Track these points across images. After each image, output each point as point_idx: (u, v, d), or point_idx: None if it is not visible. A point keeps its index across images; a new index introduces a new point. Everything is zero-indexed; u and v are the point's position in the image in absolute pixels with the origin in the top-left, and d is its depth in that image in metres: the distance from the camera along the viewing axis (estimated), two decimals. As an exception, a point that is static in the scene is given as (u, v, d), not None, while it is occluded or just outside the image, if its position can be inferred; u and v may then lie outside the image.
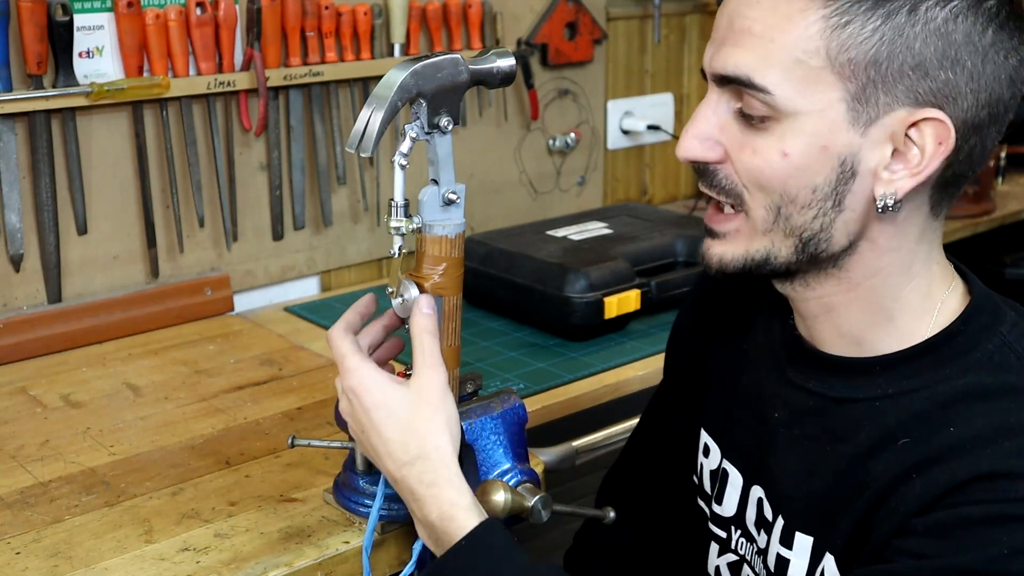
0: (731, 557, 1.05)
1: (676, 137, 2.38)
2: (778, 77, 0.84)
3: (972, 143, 0.86)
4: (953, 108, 0.83)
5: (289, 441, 1.16)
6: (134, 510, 1.16)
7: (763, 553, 0.99)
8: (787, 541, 0.95)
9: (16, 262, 1.59)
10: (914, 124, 0.84)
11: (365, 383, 0.97)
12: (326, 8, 1.76)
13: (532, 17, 2.10)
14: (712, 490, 1.07)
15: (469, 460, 1.02)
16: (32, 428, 1.36)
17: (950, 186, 0.89)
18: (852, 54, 0.82)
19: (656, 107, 2.37)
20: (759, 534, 1.00)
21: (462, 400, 1.05)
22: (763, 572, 0.99)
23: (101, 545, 1.10)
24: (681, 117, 2.44)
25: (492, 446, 1.02)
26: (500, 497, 0.97)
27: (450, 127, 0.97)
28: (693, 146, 0.90)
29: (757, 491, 1.00)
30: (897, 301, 0.91)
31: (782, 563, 0.95)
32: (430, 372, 0.96)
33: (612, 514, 1.10)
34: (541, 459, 1.33)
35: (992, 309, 0.92)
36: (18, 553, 1.08)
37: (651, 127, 2.32)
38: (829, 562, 0.91)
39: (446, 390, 0.97)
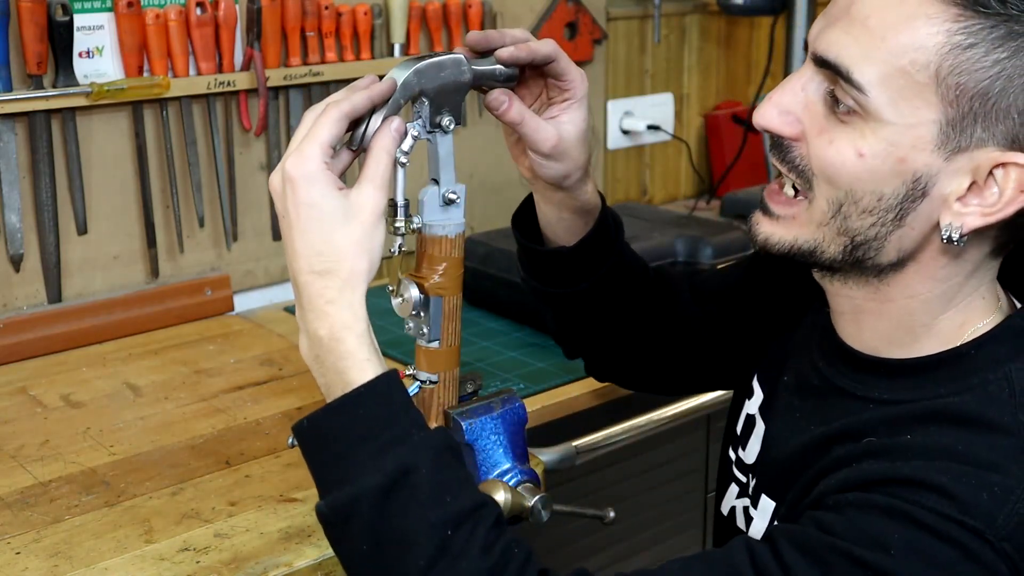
0: (747, 502, 1.05)
1: (676, 137, 2.38)
2: (877, 79, 0.81)
3: None
4: None
5: (289, 441, 1.15)
6: (134, 510, 1.16)
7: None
8: (755, 500, 0.98)
9: (16, 262, 1.59)
10: (1001, 164, 0.81)
11: (309, 175, 0.88)
12: (326, 8, 1.76)
13: (532, 17, 2.10)
14: (741, 433, 1.08)
15: (469, 460, 1.02)
16: (32, 428, 1.36)
17: (1021, 230, 0.86)
18: (963, 79, 0.78)
19: (656, 107, 2.37)
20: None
21: (462, 400, 1.05)
22: (747, 523, 1.02)
23: (101, 545, 1.10)
24: (681, 117, 2.44)
25: (492, 446, 1.02)
26: (500, 497, 0.97)
27: (452, 127, 0.97)
28: (772, 116, 0.88)
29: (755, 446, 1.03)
30: (926, 327, 0.90)
31: (749, 520, 0.99)
32: (373, 191, 0.89)
33: (612, 514, 1.10)
34: (541, 459, 1.33)
35: (1018, 343, 0.88)
36: (18, 553, 1.08)
37: (651, 127, 2.32)
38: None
39: (381, 217, 0.90)
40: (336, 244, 0.88)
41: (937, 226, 0.84)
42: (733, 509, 1.07)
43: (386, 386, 0.87)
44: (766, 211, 0.93)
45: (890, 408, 0.89)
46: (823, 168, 0.86)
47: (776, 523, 0.94)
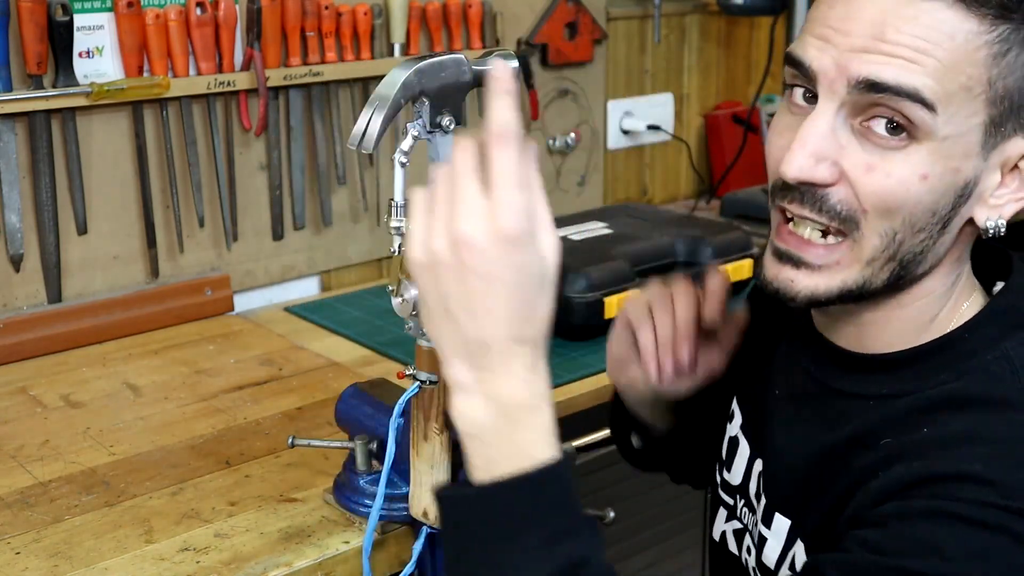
0: (736, 524, 1.05)
1: (676, 137, 2.39)
2: (944, 98, 0.80)
3: None
4: None
5: (289, 441, 1.16)
6: (134, 510, 1.16)
7: (757, 525, 1.00)
8: (767, 520, 0.96)
9: (16, 262, 1.59)
10: None
11: (526, 233, 0.75)
12: (326, 8, 1.76)
13: (532, 17, 2.10)
14: (725, 456, 1.07)
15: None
16: (32, 428, 1.36)
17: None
18: (1006, 82, 0.81)
19: (656, 107, 2.37)
20: (758, 505, 1.01)
21: (462, 400, 1.04)
22: (753, 546, 1.00)
23: (101, 545, 1.10)
24: (681, 117, 2.44)
25: (492, 446, 1.02)
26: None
27: (452, 127, 0.97)
28: (808, 166, 0.82)
29: (758, 464, 1.01)
30: (934, 318, 0.90)
31: (762, 541, 0.96)
32: (553, 241, 0.80)
33: (612, 514, 1.10)
34: (541, 459, 1.33)
35: (1006, 321, 0.89)
36: (18, 553, 1.08)
37: (651, 127, 2.32)
38: (799, 548, 0.91)
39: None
40: (540, 309, 0.81)
41: (970, 223, 0.85)
42: (724, 534, 1.06)
43: (566, 469, 0.81)
44: (799, 263, 0.87)
45: (895, 403, 0.88)
46: (883, 203, 0.82)
47: (804, 546, 0.90)
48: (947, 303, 0.90)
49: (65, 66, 1.55)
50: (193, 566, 1.06)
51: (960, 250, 0.89)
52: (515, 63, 1.01)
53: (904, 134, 0.81)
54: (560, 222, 1.94)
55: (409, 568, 1.07)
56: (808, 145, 0.82)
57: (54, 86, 1.55)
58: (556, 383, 1.51)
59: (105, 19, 1.59)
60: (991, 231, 0.85)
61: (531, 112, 2.12)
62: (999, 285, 0.92)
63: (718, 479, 1.08)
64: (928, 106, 0.79)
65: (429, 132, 0.97)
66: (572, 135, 2.20)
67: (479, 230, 0.74)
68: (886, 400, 0.89)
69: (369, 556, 1.06)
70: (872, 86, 0.80)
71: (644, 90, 2.36)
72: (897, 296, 0.88)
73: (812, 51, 0.83)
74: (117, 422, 1.38)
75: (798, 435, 0.95)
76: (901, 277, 0.86)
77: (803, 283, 0.87)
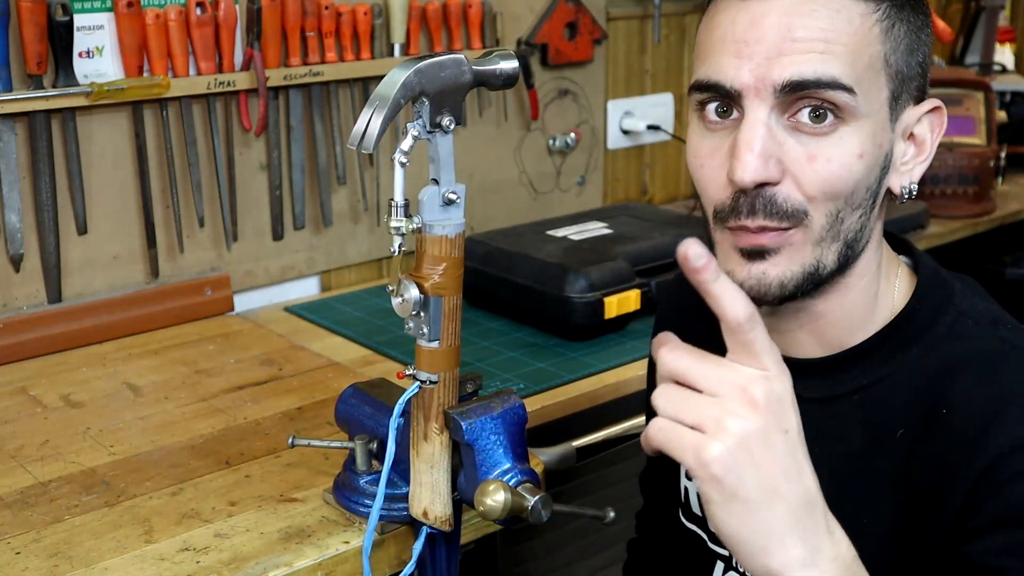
0: (735, 574, 1.04)
1: (676, 137, 2.38)
2: (857, 79, 0.85)
3: None
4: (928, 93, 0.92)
5: (289, 441, 1.16)
6: (134, 510, 1.16)
7: None
8: None
9: (16, 262, 1.59)
10: (918, 119, 0.90)
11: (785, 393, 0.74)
12: (326, 8, 1.76)
13: (532, 17, 2.10)
14: (703, 511, 1.06)
15: (469, 460, 1.02)
16: (32, 428, 1.36)
17: None
18: (896, 56, 0.87)
19: (656, 107, 2.37)
20: None
21: (462, 400, 1.05)
22: None
23: (101, 545, 1.10)
24: (681, 117, 2.44)
25: (492, 446, 1.02)
26: (500, 497, 0.97)
27: (452, 127, 0.97)
28: (758, 166, 0.84)
29: None
30: (873, 297, 0.93)
31: None
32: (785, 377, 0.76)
33: (612, 514, 1.10)
34: (541, 459, 1.33)
35: (939, 283, 0.95)
36: (18, 553, 1.08)
37: (651, 127, 2.33)
38: None
39: None
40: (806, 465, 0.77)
41: (888, 193, 0.91)
42: None
43: None
44: (764, 254, 0.87)
45: (879, 390, 0.91)
46: (828, 186, 0.85)
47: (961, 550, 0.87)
48: (881, 278, 0.94)
49: (65, 66, 1.55)
50: (193, 566, 1.06)
51: (881, 223, 0.94)
52: (515, 63, 1.01)
53: (830, 118, 0.85)
54: (560, 222, 1.94)
55: (409, 568, 1.07)
56: (755, 147, 0.84)
57: (54, 86, 1.55)
58: (556, 383, 1.51)
59: (105, 19, 1.59)
60: (905, 195, 0.91)
61: (531, 112, 2.12)
62: (903, 258, 0.99)
63: (702, 535, 1.07)
64: (848, 89, 0.84)
65: (429, 132, 0.97)
66: (572, 135, 2.20)
67: (746, 415, 0.72)
68: (869, 390, 0.92)
69: (369, 556, 1.06)
70: (797, 85, 0.84)
71: (644, 90, 2.36)
72: (844, 278, 0.91)
73: (729, 70, 0.86)
74: (117, 422, 1.38)
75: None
76: (848, 256, 0.90)
77: (773, 273, 0.88)
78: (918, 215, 2.17)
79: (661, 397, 0.75)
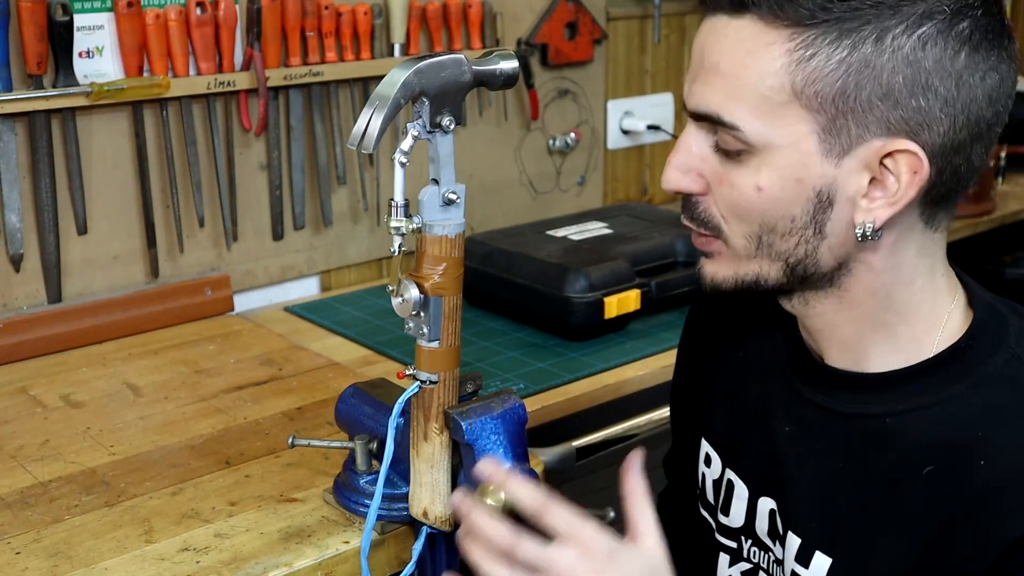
0: (744, 566, 1.04)
1: (676, 137, 2.38)
2: (746, 113, 0.84)
3: (956, 163, 0.84)
4: (928, 135, 0.82)
5: (289, 441, 1.16)
6: (134, 510, 1.16)
7: (781, 564, 0.98)
8: (804, 559, 0.94)
9: (16, 262, 1.59)
10: (888, 155, 0.83)
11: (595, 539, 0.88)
12: (326, 8, 1.76)
13: (532, 17, 2.10)
14: (716, 501, 1.06)
15: (469, 460, 1.02)
16: (32, 428, 1.36)
17: (943, 201, 0.88)
18: (819, 87, 0.82)
19: (656, 107, 2.37)
20: (774, 544, 0.99)
21: (462, 400, 1.05)
22: None
23: (101, 545, 1.10)
24: (681, 117, 2.44)
25: (492, 446, 1.02)
26: (500, 497, 0.97)
27: (452, 127, 0.97)
28: (675, 177, 0.91)
29: (767, 503, 0.99)
30: (900, 315, 0.91)
31: None
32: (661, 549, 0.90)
33: (612, 513, 1.10)
34: (541, 459, 1.33)
35: (996, 319, 0.91)
36: (18, 553, 1.08)
37: (651, 127, 2.32)
38: None
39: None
40: None
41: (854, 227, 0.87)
42: None
43: None
44: (704, 255, 0.96)
45: (913, 419, 0.89)
46: (731, 210, 0.89)
47: None
48: (913, 298, 0.90)
49: (65, 66, 1.55)
50: (193, 566, 1.06)
51: (888, 249, 0.88)
52: (515, 63, 1.01)
53: (737, 149, 0.86)
54: (560, 222, 1.94)
55: (409, 568, 1.07)
56: (673, 160, 0.91)
57: (54, 86, 1.55)
58: (556, 383, 1.51)
59: (105, 19, 1.59)
60: (859, 235, 0.86)
61: (531, 112, 2.12)
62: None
63: (712, 523, 1.07)
64: (728, 125, 0.85)
65: (429, 132, 0.97)
66: (572, 135, 2.20)
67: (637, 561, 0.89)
68: (903, 416, 0.90)
69: (368, 556, 1.06)
70: (695, 116, 0.89)
71: (644, 90, 2.36)
72: (834, 293, 0.91)
73: (686, 82, 0.91)
74: (117, 422, 1.38)
75: (818, 470, 0.95)
76: (805, 276, 0.90)
77: (706, 269, 0.95)
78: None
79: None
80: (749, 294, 0.96)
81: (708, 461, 1.08)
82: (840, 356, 0.94)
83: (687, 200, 0.93)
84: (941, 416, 0.87)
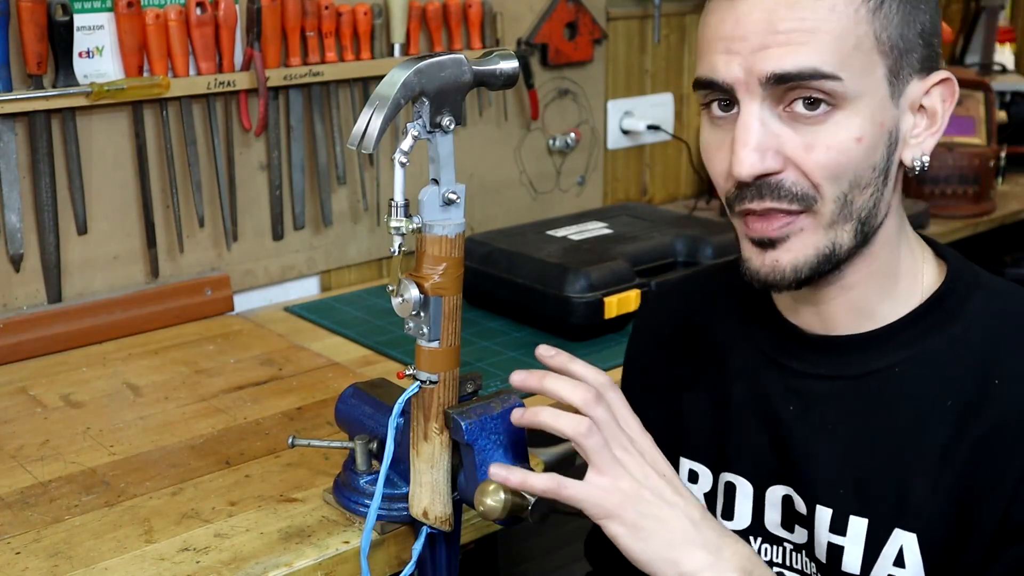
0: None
1: (676, 137, 2.38)
2: (842, 64, 0.86)
3: None
4: (940, 67, 0.93)
5: (289, 441, 1.16)
6: (134, 510, 1.16)
7: (803, 548, 0.99)
8: (840, 528, 0.95)
9: (16, 262, 1.59)
10: (927, 91, 0.91)
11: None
12: (326, 8, 1.76)
13: (532, 17, 2.10)
14: (714, 511, 1.06)
15: (469, 460, 1.02)
16: (32, 428, 1.36)
17: None
18: (889, 31, 0.88)
19: (656, 107, 2.37)
20: (791, 532, 1.00)
21: (462, 400, 1.05)
22: (810, 567, 0.99)
23: (101, 545, 1.10)
24: (681, 117, 2.44)
25: (492, 446, 1.02)
26: (500, 497, 0.97)
27: (452, 127, 0.97)
28: (754, 160, 0.88)
29: (778, 491, 1.00)
30: (899, 264, 0.96)
31: (835, 551, 0.95)
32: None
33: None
34: (541, 459, 1.33)
35: (964, 263, 0.98)
36: (18, 553, 1.08)
37: (651, 127, 2.33)
38: (905, 538, 0.91)
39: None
40: (685, 494, 0.95)
41: (901, 165, 0.93)
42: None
43: None
44: (775, 243, 0.91)
45: (923, 361, 0.93)
46: (831, 173, 0.88)
47: (914, 536, 0.92)
48: (903, 246, 0.96)
49: (65, 66, 1.55)
50: (193, 566, 1.06)
51: (898, 192, 0.95)
52: (515, 63, 1.01)
53: (824, 106, 0.87)
54: (560, 222, 1.94)
55: (409, 568, 1.07)
56: (750, 143, 0.88)
57: (54, 86, 1.55)
58: (556, 383, 1.51)
59: (105, 19, 1.59)
60: (917, 168, 0.93)
61: (531, 112, 2.12)
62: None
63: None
64: (832, 77, 0.86)
65: (429, 132, 0.97)
66: (572, 135, 2.20)
67: (668, 488, 0.92)
68: (912, 362, 0.94)
69: (368, 556, 1.06)
70: (779, 78, 0.87)
71: (644, 90, 2.36)
72: (865, 252, 0.94)
73: (720, 67, 0.90)
74: (117, 422, 1.38)
75: (835, 437, 0.96)
76: (865, 233, 0.92)
77: (786, 259, 0.92)
78: (918, 215, 2.17)
79: (584, 431, 0.92)
80: (689, 307, 1.04)
81: (694, 478, 1.08)
82: (846, 320, 0.97)
83: (764, 183, 0.89)
84: (950, 355, 0.93)
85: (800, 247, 0.91)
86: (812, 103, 0.87)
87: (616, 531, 0.89)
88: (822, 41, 0.86)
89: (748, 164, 0.88)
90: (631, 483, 0.89)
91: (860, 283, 0.95)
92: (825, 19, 0.86)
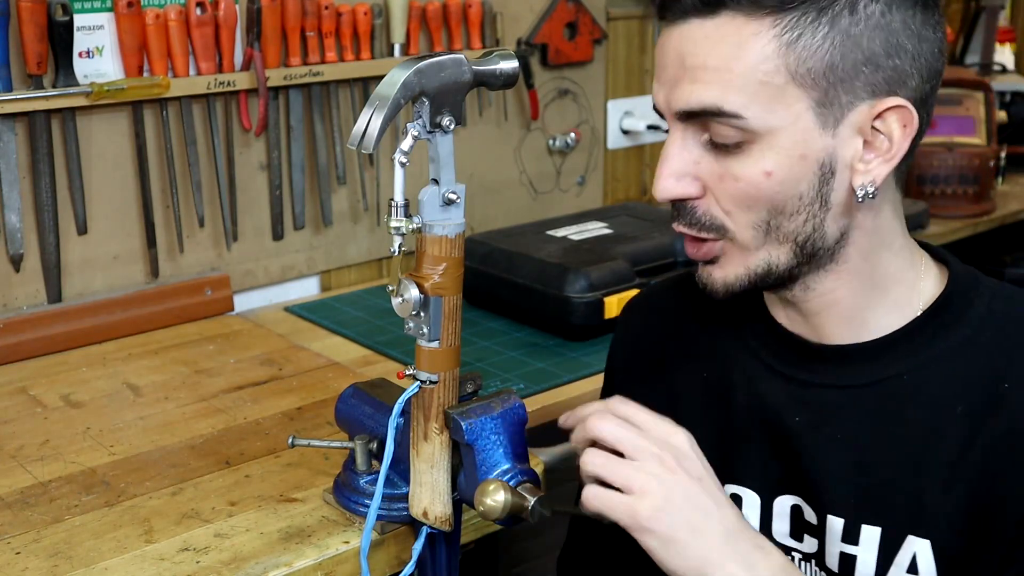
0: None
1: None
2: (746, 100, 0.87)
3: (922, 115, 0.91)
4: (905, 90, 0.88)
5: (289, 441, 1.16)
6: (134, 510, 1.16)
7: (812, 558, 0.98)
8: (852, 538, 0.95)
9: (16, 262, 1.59)
10: (878, 115, 0.88)
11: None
12: (326, 8, 1.76)
13: (532, 17, 2.10)
14: None
15: (469, 460, 1.02)
16: (32, 428, 1.36)
17: (908, 156, 0.93)
18: (810, 64, 0.86)
19: (656, 107, 2.37)
20: (801, 542, 0.99)
21: (462, 400, 1.05)
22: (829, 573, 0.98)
23: (101, 545, 1.10)
24: (681, 117, 2.44)
25: (492, 446, 1.02)
26: (500, 497, 0.97)
27: (452, 127, 0.97)
28: (670, 185, 0.92)
29: (786, 501, 0.99)
30: (887, 275, 0.95)
31: (847, 560, 0.95)
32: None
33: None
34: (541, 459, 1.33)
35: (965, 268, 0.98)
36: (18, 553, 1.08)
37: (651, 127, 2.33)
38: (919, 545, 0.91)
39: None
40: (723, 499, 0.93)
41: (854, 191, 0.90)
42: None
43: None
44: (707, 263, 0.96)
45: (931, 368, 0.93)
46: (741, 203, 0.90)
47: (928, 543, 0.91)
48: (896, 257, 0.95)
49: (65, 66, 1.55)
50: (193, 566, 1.06)
51: (878, 209, 0.93)
52: (515, 63, 1.01)
53: (737, 137, 0.88)
54: (560, 222, 1.94)
55: (409, 568, 1.07)
56: (666, 167, 0.92)
57: (54, 86, 1.55)
58: (556, 383, 1.51)
59: (105, 19, 1.59)
60: (860, 196, 0.90)
61: (531, 112, 2.12)
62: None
63: None
64: (734, 115, 0.87)
65: (429, 132, 0.97)
66: (572, 135, 2.20)
67: (664, 476, 0.88)
68: (920, 370, 0.93)
69: (367, 556, 1.06)
70: (687, 114, 0.90)
71: (644, 90, 2.36)
72: (833, 267, 0.94)
73: (654, 92, 0.93)
74: (117, 422, 1.38)
75: (845, 447, 0.95)
76: (812, 254, 0.92)
77: (715, 275, 0.96)
78: (918, 215, 2.18)
79: (589, 462, 0.90)
80: (677, 317, 1.02)
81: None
82: (840, 331, 0.97)
83: (682, 207, 0.94)
84: (959, 360, 0.92)
85: (730, 266, 0.94)
86: (726, 135, 0.88)
87: (650, 544, 0.87)
88: (725, 79, 0.87)
89: (662, 188, 0.92)
90: (661, 492, 0.87)
91: (845, 298, 0.95)
92: (731, 56, 0.86)
